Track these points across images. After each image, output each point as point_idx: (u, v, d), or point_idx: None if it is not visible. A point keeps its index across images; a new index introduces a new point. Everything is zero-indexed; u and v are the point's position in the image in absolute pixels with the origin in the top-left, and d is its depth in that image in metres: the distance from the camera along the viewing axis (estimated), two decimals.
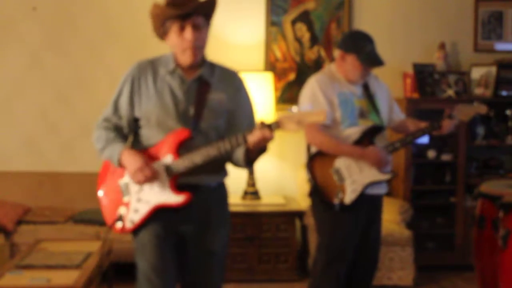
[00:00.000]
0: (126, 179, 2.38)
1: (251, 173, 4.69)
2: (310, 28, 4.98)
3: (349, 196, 2.95)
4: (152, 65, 2.38)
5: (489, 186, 3.35)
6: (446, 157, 4.77)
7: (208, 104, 2.33)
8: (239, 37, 4.96)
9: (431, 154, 4.77)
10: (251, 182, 4.70)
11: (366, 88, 3.10)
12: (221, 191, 2.48)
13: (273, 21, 4.96)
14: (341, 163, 2.98)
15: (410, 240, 4.30)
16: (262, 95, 4.56)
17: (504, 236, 2.92)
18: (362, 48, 2.99)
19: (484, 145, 4.86)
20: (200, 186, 2.34)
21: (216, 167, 2.38)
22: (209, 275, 2.41)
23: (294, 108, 2.20)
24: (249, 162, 2.34)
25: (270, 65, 4.96)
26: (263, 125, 2.18)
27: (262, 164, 4.87)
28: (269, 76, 4.70)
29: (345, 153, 2.98)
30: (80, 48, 4.90)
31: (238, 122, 2.39)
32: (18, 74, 4.89)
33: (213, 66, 2.41)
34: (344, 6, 4.97)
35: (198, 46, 2.30)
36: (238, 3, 4.95)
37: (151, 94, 2.33)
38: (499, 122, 4.88)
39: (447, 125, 3.09)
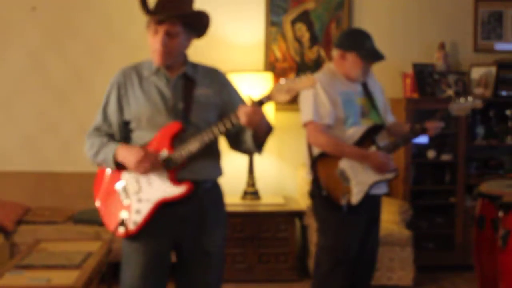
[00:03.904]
0: (123, 182, 2.39)
1: (251, 173, 4.69)
2: (310, 28, 4.98)
3: (355, 197, 2.93)
4: (135, 70, 2.42)
5: (489, 186, 3.35)
6: (446, 157, 4.77)
7: (195, 99, 2.36)
8: (239, 37, 4.96)
9: (431, 154, 4.77)
10: (251, 182, 4.70)
11: (365, 86, 3.08)
12: (217, 192, 2.49)
13: (273, 21, 4.96)
14: (345, 164, 2.95)
15: (410, 240, 4.30)
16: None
17: (504, 236, 2.92)
18: (361, 44, 2.98)
19: (484, 145, 4.86)
20: (197, 182, 2.34)
21: (212, 162, 2.42)
22: (206, 276, 2.41)
23: (282, 80, 2.23)
24: (259, 145, 2.38)
25: (270, 65, 4.96)
26: (253, 101, 2.22)
27: (262, 164, 4.88)
28: (269, 76, 4.70)
29: (347, 155, 2.95)
30: (80, 48, 4.90)
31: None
32: (18, 74, 4.89)
33: (195, 65, 2.45)
34: (344, 6, 4.97)
35: (167, 52, 2.31)
36: (238, 3, 4.95)
37: (138, 95, 2.35)
38: (499, 122, 4.88)
39: (433, 128, 3.06)
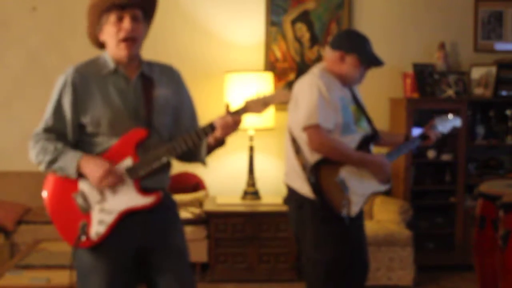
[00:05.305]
0: (82, 190, 2.23)
1: (251, 173, 4.69)
2: (310, 28, 4.98)
3: (354, 208, 2.76)
4: (91, 68, 2.29)
5: (489, 186, 3.35)
6: (446, 157, 4.77)
7: (155, 101, 2.25)
8: (239, 37, 4.96)
9: (431, 154, 4.77)
10: (251, 182, 4.69)
11: (352, 93, 2.94)
12: (170, 195, 2.40)
13: (273, 21, 4.96)
14: (345, 172, 2.77)
15: (410, 240, 4.30)
16: None
17: (504, 236, 2.92)
18: (363, 47, 2.86)
19: (484, 145, 4.86)
20: (158, 189, 2.26)
21: (167, 171, 2.33)
22: (184, 273, 2.30)
23: (259, 93, 2.23)
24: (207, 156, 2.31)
25: (270, 65, 4.95)
26: (231, 112, 2.18)
27: (262, 164, 4.88)
28: (269, 76, 4.70)
29: (355, 160, 2.78)
30: (80, 48, 4.88)
31: (183, 117, 2.35)
32: (18, 74, 4.89)
33: (149, 63, 2.33)
34: (344, 6, 4.97)
35: (135, 37, 2.21)
36: (238, 3, 4.95)
37: (97, 97, 2.21)
38: (499, 122, 4.89)
39: (434, 136, 3.04)
